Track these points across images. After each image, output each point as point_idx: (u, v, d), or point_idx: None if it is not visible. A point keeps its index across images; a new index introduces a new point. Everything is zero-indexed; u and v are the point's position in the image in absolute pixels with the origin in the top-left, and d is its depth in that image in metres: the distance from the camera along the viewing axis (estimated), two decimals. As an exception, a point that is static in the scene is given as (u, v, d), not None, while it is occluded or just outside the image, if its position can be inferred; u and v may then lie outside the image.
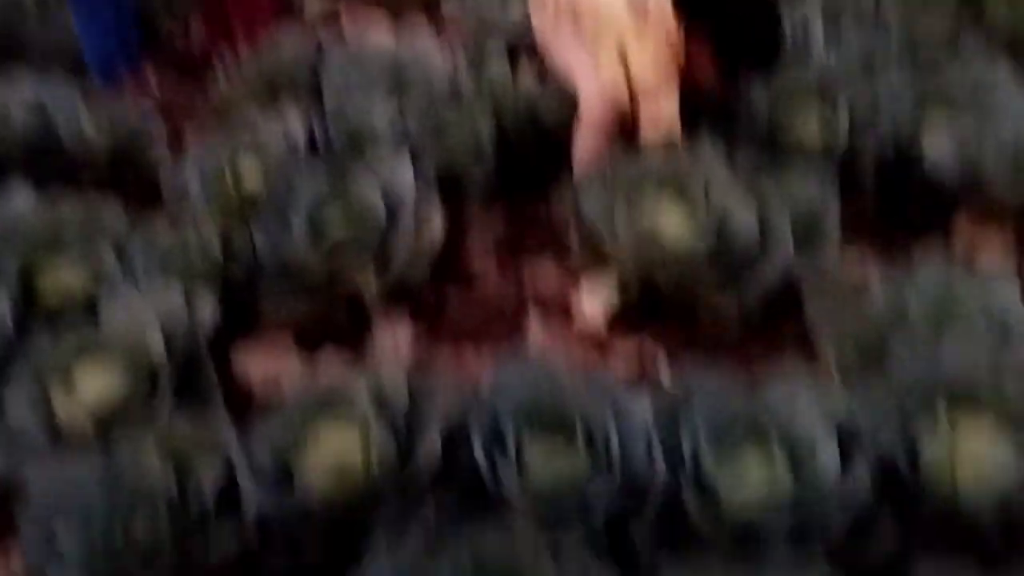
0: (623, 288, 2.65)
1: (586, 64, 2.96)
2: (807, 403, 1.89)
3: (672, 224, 2.58)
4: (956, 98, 3.07)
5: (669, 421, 1.95)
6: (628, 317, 2.63)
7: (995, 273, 2.40)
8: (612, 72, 2.85)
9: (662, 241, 2.55)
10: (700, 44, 2.71)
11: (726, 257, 2.54)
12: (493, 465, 1.89)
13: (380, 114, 3.35)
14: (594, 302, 2.65)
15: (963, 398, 1.88)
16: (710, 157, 2.69)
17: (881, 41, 3.59)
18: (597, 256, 2.78)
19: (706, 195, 2.59)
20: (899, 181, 3.11)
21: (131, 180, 3.62)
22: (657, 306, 2.69)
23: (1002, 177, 2.69)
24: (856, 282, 2.42)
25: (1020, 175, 2.62)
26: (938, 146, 2.83)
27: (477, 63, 4.02)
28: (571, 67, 3.07)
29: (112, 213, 2.86)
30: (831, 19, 3.80)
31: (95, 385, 2.27)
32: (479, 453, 1.90)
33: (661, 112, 2.82)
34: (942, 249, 2.94)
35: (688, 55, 2.77)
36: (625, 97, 2.86)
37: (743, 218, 2.56)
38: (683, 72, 2.81)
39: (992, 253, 2.92)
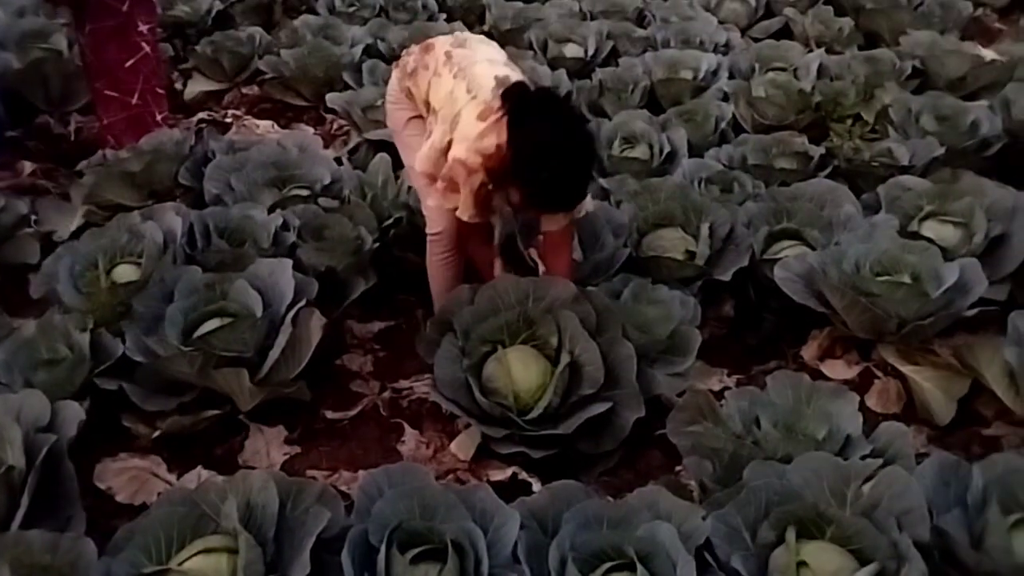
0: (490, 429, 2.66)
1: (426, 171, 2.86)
2: (668, 528, 2.00)
3: (525, 371, 2.62)
4: (805, 225, 3.34)
5: (538, 542, 2.01)
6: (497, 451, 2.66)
7: (839, 388, 2.60)
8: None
9: (516, 387, 2.60)
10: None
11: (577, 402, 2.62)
12: (363, 583, 1.91)
13: (261, 213, 3.38)
14: (463, 442, 2.71)
15: (808, 519, 2.03)
16: (563, 288, 2.77)
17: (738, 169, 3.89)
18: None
19: (558, 340, 2.67)
20: (753, 301, 3.35)
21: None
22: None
23: (843, 302, 2.94)
24: (713, 399, 2.56)
25: (858, 302, 2.87)
26: (787, 273, 3.05)
27: (361, 165, 4.11)
28: (415, 172, 2.98)
29: (-26, 310, 2.78)
30: (694, 147, 4.11)
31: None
32: (348, 571, 1.91)
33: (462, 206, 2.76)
34: (792, 365, 3.20)
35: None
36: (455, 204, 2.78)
37: (590, 363, 2.63)
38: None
39: (837, 368, 3.17)
